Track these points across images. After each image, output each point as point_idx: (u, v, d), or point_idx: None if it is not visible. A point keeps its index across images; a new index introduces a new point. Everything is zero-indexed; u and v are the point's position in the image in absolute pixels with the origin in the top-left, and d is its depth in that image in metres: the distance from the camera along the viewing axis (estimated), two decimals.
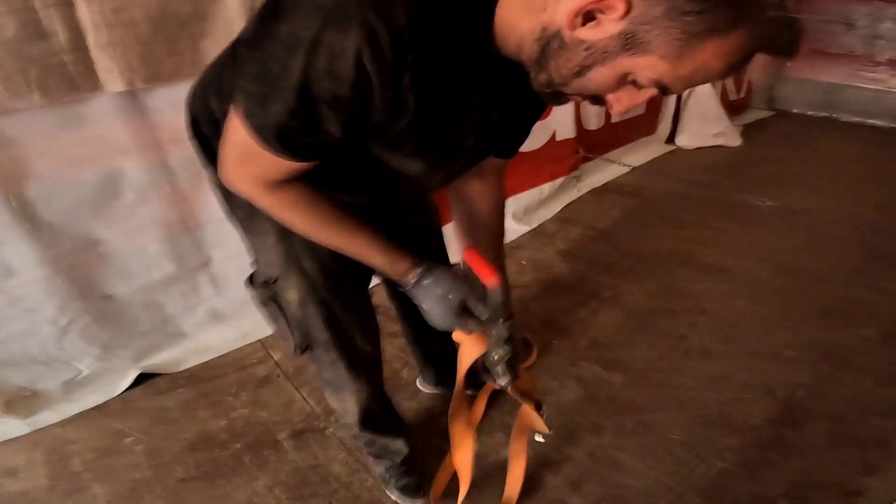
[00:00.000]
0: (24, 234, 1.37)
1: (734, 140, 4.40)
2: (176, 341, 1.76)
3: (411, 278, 0.83)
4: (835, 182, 3.58)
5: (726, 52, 0.51)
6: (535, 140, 2.70)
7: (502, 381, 0.90)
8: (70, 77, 1.30)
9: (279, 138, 0.61)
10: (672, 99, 4.11)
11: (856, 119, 6.23)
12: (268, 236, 0.87)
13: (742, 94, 5.56)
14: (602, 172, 3.33)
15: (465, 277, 0.85)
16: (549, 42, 0.55)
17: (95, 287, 1.56)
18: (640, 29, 0.49)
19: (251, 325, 1.85)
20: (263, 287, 0.94)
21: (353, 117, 0.60)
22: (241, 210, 0.90)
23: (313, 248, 0.85)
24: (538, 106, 0.87)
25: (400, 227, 0.96)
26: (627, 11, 0.48)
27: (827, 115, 6.41)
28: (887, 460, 1.31)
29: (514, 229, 2.57)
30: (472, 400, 1.15)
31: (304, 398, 1.58)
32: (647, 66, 0.52)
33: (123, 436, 1.46)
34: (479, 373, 1.40)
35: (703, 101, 4.21)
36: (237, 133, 0.64)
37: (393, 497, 1.24)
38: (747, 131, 4.85)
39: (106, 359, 1.62)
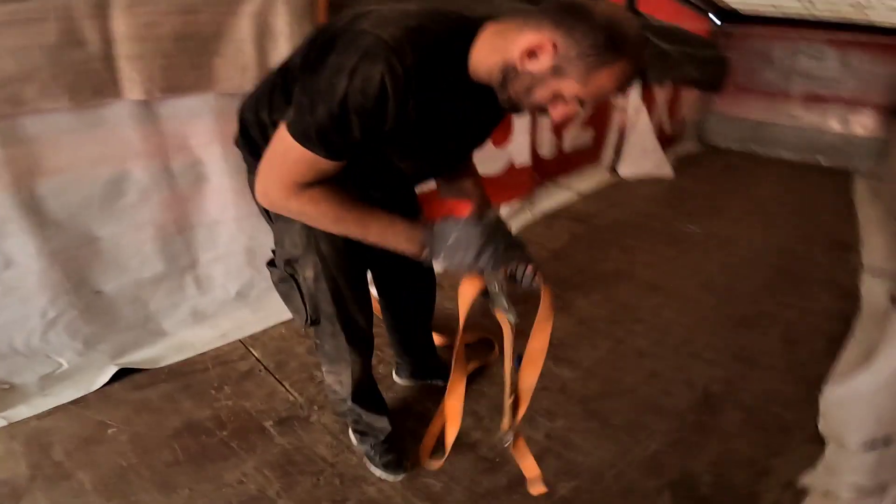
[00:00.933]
0: (29, 227, 1.44)
1: (668, 172, 4.88)
2: (156, 338, 1.83)
3: (420, 237, 0.96)
4: (751, 213, 4.11)
5: (614, 77, 0.79)
6: (495, 166, 2.96)
7: (511, 317, 1.03)
8: (97, 83, 1.41)
9: (318, 137, 0.83)
10: (615, 131, 4.51)
11: (773, 154, 6.98)
12: (296, 222, 1.05)
13: (675, 129, 6.12)
14: (553, 198, 3.65)
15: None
16: (508, 72, 0.83)
17: (87, 282, 1.63)
18: (563, 63, 0.78)
19: (231, 325, 1.96)
20: (286, 266, 1.13)
21: (371, 124, 0.83)
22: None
23: (329, 233, 1.04)
24: (499, 115, 1.12)
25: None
26: (556, 52, 0.78)
27: (748, 150, 7.15)
28: (790, 444, 1.60)
29: None
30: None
31: (287, 389, 1.70)
32: (568, 87, 0.80)
33: (105, 426, 1.50)
34: (431, 368, 1.63)
35: (643, 134, 4.66)
36: (283, 141, 0.86)
37: (377, 473, 1.39)
38: (679, 164, 5.39)
39: (86, 353, 1.67)
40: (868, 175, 5.77)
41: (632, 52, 0.78)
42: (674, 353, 2.04)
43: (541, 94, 0.83)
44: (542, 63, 0.79)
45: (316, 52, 0.87)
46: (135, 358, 1.76)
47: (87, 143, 1.51)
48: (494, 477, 1.42)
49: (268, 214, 1.13)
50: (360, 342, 1.23)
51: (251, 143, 1.07)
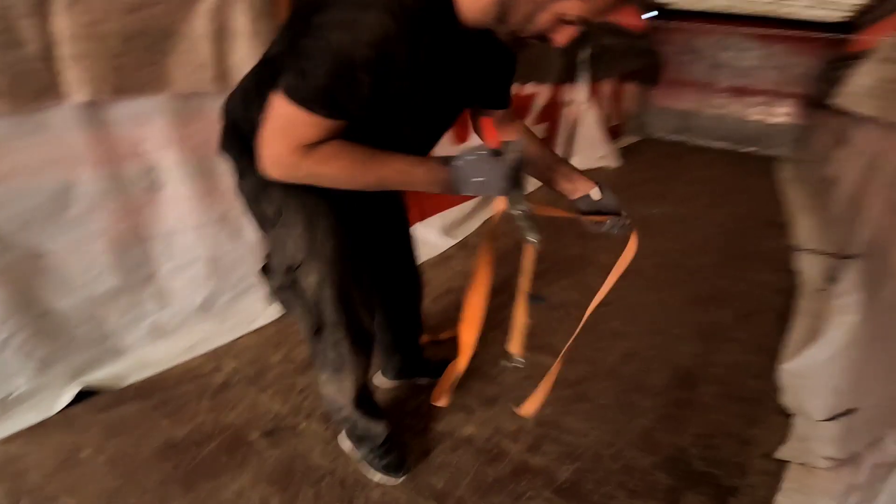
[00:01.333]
0: None
1: (615, 161, 5.10)
2: (117, 357, 1.71)
3: (446, 173, 0.92)
4: (691, 197, 4.37)
5: None
6: None
7: (534, 240, 1.02)
8: (38, 86, 1.29)
9: (324, 100, 0.79)
10: (566, 125, 4.67)
11: (703, 143, 7.47)
12: (297, 227, 1.00)
13: (618, 121, 6.41)
14: None
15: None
16: (505, 4, 0.80)
17: (37, 300, 1.49)
18: None
19: (197, 337, 1.86)
20: (286, 274, 1.06)
21: (379, 79, 0.79)
22: (272, 206, 1.02)
23: (334, 234, 1.01)
24: (509, 61, 1.10)
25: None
26: None
27: (682, 140, 7.60)
28: (765, 414, 1.71)
29: (442, 243, 2.84)
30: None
31: (269, 399, 1.63)
32: (571, 7, 0.77)
33: (77, 449, 1.40)
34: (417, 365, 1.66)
35: (591, 127, 4.85)
36: (280, 109, 0.81)
37: (376, 478, 1.36)
38: (623, 154, 5.63)
39: (43, 375, 1.54)
40: (790, 160, 6.28)
41: None
42: (646, 332, 2.13)
43: (543, 20, 0.80)
44: None
45: (302, 21, 0.81)
46: (96, 377, 1.63)
47: (30, 151, 1.37)
48: (498, 466, 1.43)
49: (263, 221, 1.07)
50: (365, 345, 1.19)
51: (243, 143, 0.99)
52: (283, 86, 0.80)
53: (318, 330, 1.11)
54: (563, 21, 0.81)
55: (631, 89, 6.70)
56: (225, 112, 1.03)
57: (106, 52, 1.38)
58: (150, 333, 1.78)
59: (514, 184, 0.93)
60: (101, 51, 1.37)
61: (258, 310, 2.05)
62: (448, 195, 1.05)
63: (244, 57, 1.75)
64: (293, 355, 1.85)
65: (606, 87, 5.63)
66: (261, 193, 1.01)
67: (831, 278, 2.55)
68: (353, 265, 1.08)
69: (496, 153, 0.90)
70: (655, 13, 6.88)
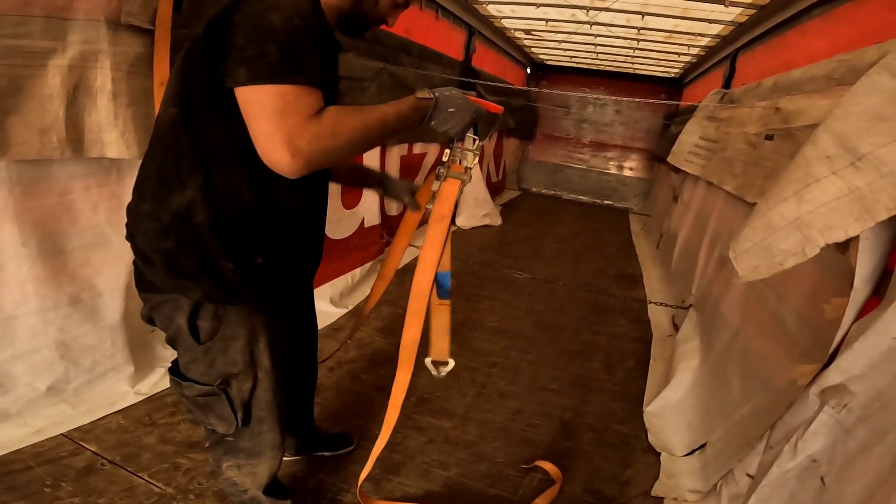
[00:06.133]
0: None
1: (497, 220, 5.70)
2: None
3: (430, 101, 1.10)
4: (560, 252, 5.08)
5: None
6: (345, 228, 3.22)
7: (466, 179, 1.22)
8: None
9: (288, 66, 0.88)
10: None
11: (571, 196, 8.52)
12: (237, 340, 1.12)
13: (500, 177, 7.14)
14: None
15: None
16: None
17: None
18: None
19: (46, 421, 1.82)
20: (218, 383, 1.14)
21: (317, 46, 0.95)
22: (206, 321, 1.11)
23: (270, 345, 1.16)
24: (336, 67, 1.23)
25: None
26: None
27: (553, 193, 8.60)
28: (633, 455, 2.10)
29: (332, 312, 3.01)
30: None
31: (148, 481, 1.65)
32: None
33: None
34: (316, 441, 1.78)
35: (476, 186, 5.38)
36: (262, 96, 0.88)
37: None
38: (504, 210, 6.30)
39: None
40: (639, 213, 7.46)
41: None
42: (528, 389, 2.51)
43: (384, 4, 1.10)
44: None
45: (221, 25, 0.92)
46: None
47: None
48: None
49: (195, 333, 1.11)
50: (284, 433, 1.30)
51: (176, 261, 1.03)
52: (246, 76, 0.88)
53: (244, 424, 1.20)
54: (396, 5, 1.13)
55: (511, 145, 7.55)
56: (141, 235, 1.04)
57: None
58: None
59: (472, 124, 1.17)
60: None
61: (120, 391, 2.03)
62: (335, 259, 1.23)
63: (103, 119, 1.74)
64: (170, 436, 1.87)
65: (488, 144, 6.31)
66: (199, 309, 1.09)
67: (675, 326, 3.20)
68: (284, 368, 1.24)
69: (471, 99, 1.15)
70: (530, 70, 7.92)
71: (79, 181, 1.84)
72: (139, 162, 1.81)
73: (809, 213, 1.38)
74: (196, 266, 1.03)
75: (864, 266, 1.42)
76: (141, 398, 2.04)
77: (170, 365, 1.21)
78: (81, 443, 1.77)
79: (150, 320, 1.16)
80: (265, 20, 0.88)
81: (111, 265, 1.98)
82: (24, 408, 1.80)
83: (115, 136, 1.80)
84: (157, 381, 2.14)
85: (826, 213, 1.35)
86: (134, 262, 1.10)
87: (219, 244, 1.02)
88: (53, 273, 1.80)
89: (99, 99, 1.71)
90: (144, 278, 1.09)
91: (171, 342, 1.16)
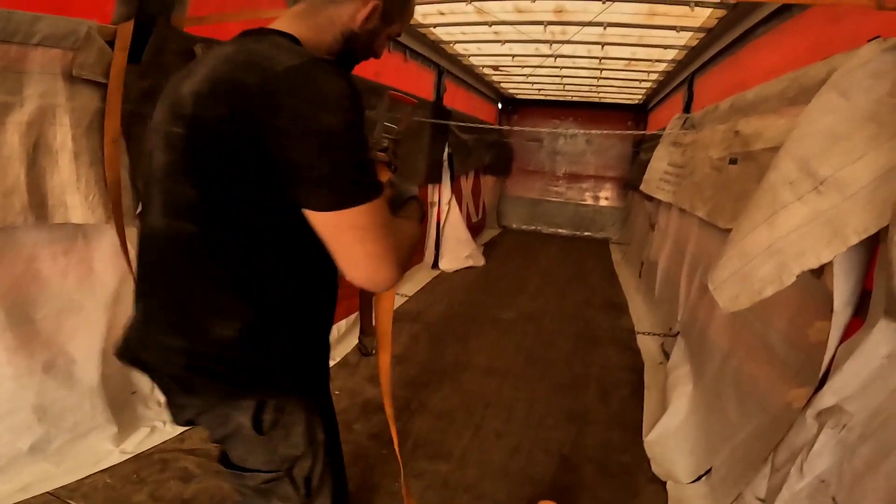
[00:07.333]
0: None
1: (480, 260, 5.76)
2: None
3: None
4: (545, 287, 5.14)
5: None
6: None
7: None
8: None
9: (373, 180, 0.85)
10: (433, 230, 5.22)
11: (550, 230, 8.65)
12: (298, 425, 1.08)
13: (480, 216, 7.26)
14: None
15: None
16: (350, 38, 1.02)
17: None
18: (391, 13, 1.04)
19: (31, 478, 1.81)
20: (284, 469, 1.09)
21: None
22: (269, 414, 1.02)
23: (325, 422, 1.14)
24: None
25: None
26: (383, 7, 1.02)
27: (532, 227, 8.73)
28: (639, 485, 2.11)
29: None
30: None
31: None
32: (395, 28, 1.08)
33: None
34: None
35: (455, 226, 5.46)
36: (359, 222, 0.83)
37: None
38: (487, 249, 6.38)
39: None
40: (618, 242, 7.61)
41: None
42: (524, 426, 2.51)
43: (379, 41, 1.09)
44: (375, 20, 1.03)
45: (246, 123, 0.79)
46: None
47: None
48: None
49: (258, 428, 1.03)
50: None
51: (237, 371, 0.95)
52: (332, 201, 0.81)
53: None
54: (389, 37, 1.11)
55: (488, 182, 7.71)
56: (181, 359, 0.94)
57: None
58: None
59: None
60: None
61: (104, 450, 2.01)
62: None
63: (65, 181, 1.68)
64: (160, 493, 1.85)
65: (466, 183, 6.41)
66: (263, 406, 1.02)
67: (665, 353, 3.25)
68: (335, 443, 1.23)
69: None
70: (501, 105, 8.17)
71: (44, 248, 1.83)
72: (107, 226, 1.93)
73: (781, 239, 1.41)
74: (259, 371, 1.00)
75: (842, 290, 1.44)
76: (127, 457, 2.02)
77: (219, 459, 1.15)
78: (69, 501, 1.75)
79: (190, 422, 1.11)
80: (322, 125, 0.78)
81: (84, 331, 1.98)
82: (7, 465, 1.79)
83: (78, 199, 1.76)
84: (143, 439, 2.12)
85: (797, 239, 1.38)
86: (170, 376, 1.02)
87: (277, 349, 1.00)
88: (24, 341, 1.80)
89: (60, 159, 1.66)
90: (192, 389, 1.02)
91: (223, 440, 1.10)
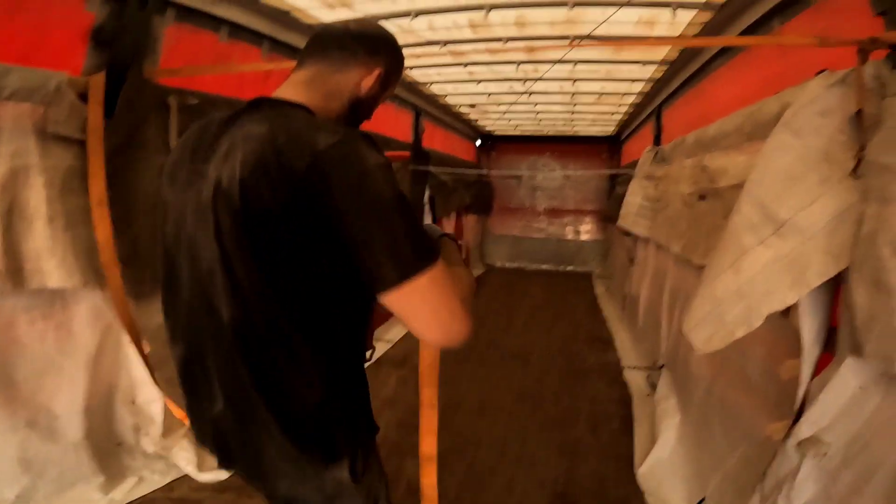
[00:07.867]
0: None
1: None
2: None
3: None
4: (531, 323, 5.21)
5: (403, 61, 1.14)
6: None
7: None
8: None
9: (428, 245, 0.85)
10: None
11: (533, 266, 8.71)
12: (375, 463, 1.08)
13: (464, 257, 7.32)
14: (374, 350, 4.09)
15: None
16: (356, 105, 1.07)
17: None
18: (389, 78, 1.09)
19: None
20: None
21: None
22: (360, 461, 1.02)
23: (383, 489, 1.13)
24: None
25: None
26: (384, 74, 1.07)
27: (516, 265, 8.78)
28: None
29: None
30: None
31: None
32: (391, 91, 1.13)
33: None
34: None
35: None
36: (433, 288, 0.82)
37: None
38: None
39: None
40: (600, 276, 7.72)
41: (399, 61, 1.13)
42: (516, 463, 2.53)
43: (378, 103, 1.13)
44: (377, 86, 1.08)
45: (297, 198, 0.80)
46: None
47: None
48: None
49: (356, 478, 1.03)
50: None
51: (327, 437, 0.95)
52: (399, 275, 0.80)
53: None
54: (386, 98, 1.21)
55: (470, 221, 7.80)
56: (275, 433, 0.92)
57: None
58: None
59: None
60: None
61: (93, 499, 1.99)
62: None
63: (41, 246, 1.66)
64: None
65: (448, 225, 6.49)
66: (355, 458, 1.02)
67: (652, 385, 3.30)
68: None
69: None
70: (480, 142, 8.36)
71: (22, 314, 1.83)
72: (84, 290, 1.94)
73: (748, 282, 1.45)
74: (346, 424, 1.02)
75: (809, 329, 1.48)
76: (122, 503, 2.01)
77: None
78: None
79: (288, 501, 1.09)
80: (373, 195, 0.81)
81: (66, 389, 1.99)
82: None
83: (54, 263, 1.74)
84: (131, 488, 2.11)
85: (763, 283, 1.42)
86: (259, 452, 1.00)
87: (353, 399, 1.03)
88: (6, 401, 1.81)
89: (35, 223, 1.64)
90: (287, 460, 1.00)
91: (331, 500, 1.08)
